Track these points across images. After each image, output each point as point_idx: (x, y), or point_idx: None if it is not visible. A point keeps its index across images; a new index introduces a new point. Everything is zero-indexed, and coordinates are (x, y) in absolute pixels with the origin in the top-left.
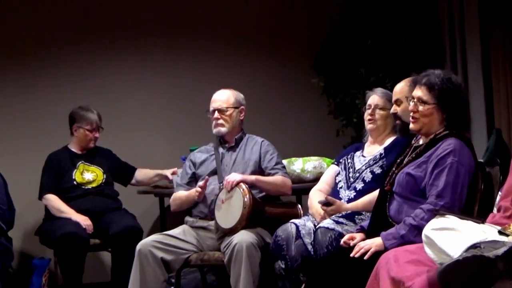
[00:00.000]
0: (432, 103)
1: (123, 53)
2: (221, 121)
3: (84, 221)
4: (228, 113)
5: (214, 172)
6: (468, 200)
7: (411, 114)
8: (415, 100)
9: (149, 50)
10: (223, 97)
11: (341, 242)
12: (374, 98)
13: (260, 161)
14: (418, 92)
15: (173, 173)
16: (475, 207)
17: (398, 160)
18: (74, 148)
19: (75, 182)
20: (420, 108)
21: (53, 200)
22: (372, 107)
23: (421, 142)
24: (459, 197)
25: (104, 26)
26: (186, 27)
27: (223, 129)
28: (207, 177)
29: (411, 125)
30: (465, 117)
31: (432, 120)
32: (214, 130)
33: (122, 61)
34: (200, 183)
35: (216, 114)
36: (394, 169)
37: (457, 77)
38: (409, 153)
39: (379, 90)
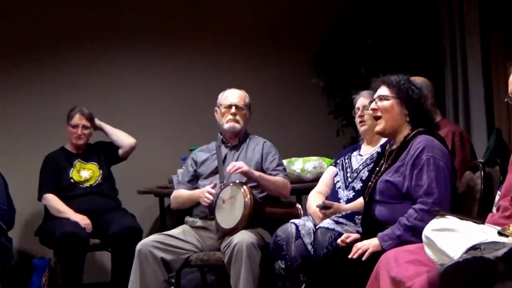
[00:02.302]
0: (392, 96)
1: (123, 54)
2: (237, 117)
3: (82, 220)
4: (243, 111)
5: (215, 172)
6: (467, 199)
7: (373, 115)
8: (376, 99)
9: (149, 51)
10: (240, 95)
11: (338, 241)
12: (361, 100)
13: (261, 162)
14: (378, 92)
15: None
16: (474, 207)
17: (377, 169)
18: (69, 148)
19: (72, 181)
20: (380, 104)
21: (52, 200)
22: (361, 108)
23: (394, 147)
24: (445, 190)
25: (103, 27)
26: (186, 28)
27: (238, 126)
28: (215, 182)
29: (376, 128)
30: (430, 118)
31: (394, 115)
32: (227, 125)
33: (122, 62)
34: (209, 188)
35: (234, 110)
36: (372, 178)
37: (426, 81)
38: (385, 160)
39: (365, 92)
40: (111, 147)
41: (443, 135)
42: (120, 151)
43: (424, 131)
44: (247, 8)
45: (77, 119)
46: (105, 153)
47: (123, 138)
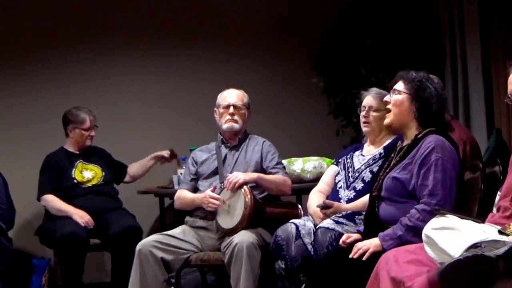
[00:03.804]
0: (404, 92)
1: (122, 54)
2: (236, 117)
3: (82, 218)
4: (242, 111)
5: (215, 172)
6: (467, 199)
7: (385, 107)
8: (391, 92)
9: (149, 50)
10: (238, 95)
11: (340, 242)
12: (368, 99)
13: (261, 161)
14: (395, 86)
15: (170, 156)
16: (475, 207)
17: (385, 165)
18: (70, 148)
19: (75, 181)
20: (393, 97)
21: (51, 201)
22: (366, 108)
23: (404, 144)
24: (449, 193)
25: (103, 27)
26: (186, 27)
27: (236, 125)
28: (215, 184)
29: (385, 121)
30: (439, 119)
31: (402, 110)
32: (226, 125)
33: (122, 62)
34: (209, 192)
35: (232, 110)
36: (381, 173)
37: (439, 80)
38: (394, 156)
39: (374, 90)
40: (119, 168)
41: (452, 137)
42: (127, 178)
43: (435, 130)
44: (248, 8)
45: (89, 121)
46: (110, 169)
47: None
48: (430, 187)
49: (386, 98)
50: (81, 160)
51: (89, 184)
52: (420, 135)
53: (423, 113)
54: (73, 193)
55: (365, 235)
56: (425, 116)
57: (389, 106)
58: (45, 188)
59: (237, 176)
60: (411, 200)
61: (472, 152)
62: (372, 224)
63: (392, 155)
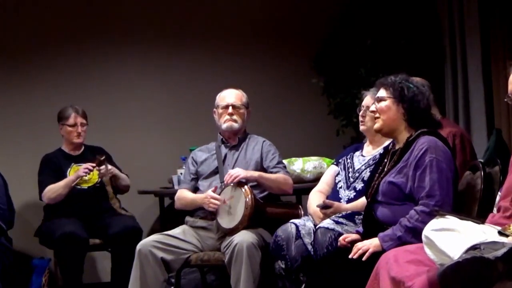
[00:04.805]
0: (388, 97)
1: (122, 54)
2: (235, 116)
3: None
4: (241, 110)
5: (215, 172)
6: (467, 199)
7: (373, 117)
8: (375, 101)
9: (149, 51)
10: (237, 95)
11: (339, 243)
12: (367, 99)
13: (261, 161)
14: (377, 94)
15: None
16: (475, 207)
17: (379, 169)
18: (66, 149)
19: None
20: (378, 105)
21: (53, 187)
22: (364, 108)
23: (397, 147)
24: (447, 193)
25: (103, 27)
26: (186, 28)
27: (236, 125)
28: (216, 185)
29: (374, 126)
30: (428, 116)
31: (390, 115)
32: (225, 125)
33: (121, 62)
34: (211, 192)
35: (231, 110)
36: (375, 178)
37: (423, 80)
38: (388, 160)
39: (373, 90)
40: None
41: (443, 136)
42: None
43: (427, 131)
44: (247, 9)
45: (73, 117)
46: None
47: (126, 183)
48: (427, 188)
49: (372, 108)
50: (77, 161)
51: (85, 186)
52: (411, 138)
53: (412, 113)
54: (70, 194)
55: (364, 236)
56: (414, 116)
57: (377, 115)
58: (46, 185)
59: (238, 171)
60: (409, 202)
61: (462, 145)
62: (370, 226)
63: (386, 160)
